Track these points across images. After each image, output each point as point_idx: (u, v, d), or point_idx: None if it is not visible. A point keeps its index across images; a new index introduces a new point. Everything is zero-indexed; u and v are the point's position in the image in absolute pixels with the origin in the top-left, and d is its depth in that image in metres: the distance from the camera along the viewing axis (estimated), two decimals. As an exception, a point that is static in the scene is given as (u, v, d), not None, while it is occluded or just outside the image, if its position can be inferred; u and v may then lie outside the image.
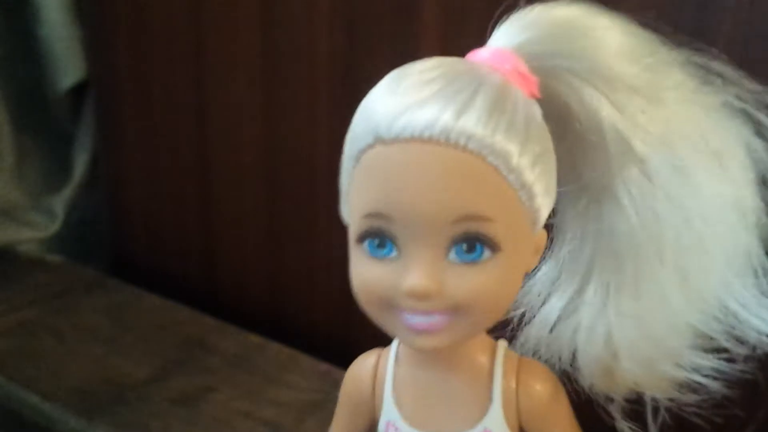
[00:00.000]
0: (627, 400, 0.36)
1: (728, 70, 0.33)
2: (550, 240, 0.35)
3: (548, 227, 0.34)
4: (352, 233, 0.31)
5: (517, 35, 0.32)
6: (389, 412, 0.35)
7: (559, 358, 0.36)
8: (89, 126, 1.12)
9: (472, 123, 0.28)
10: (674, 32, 0.52)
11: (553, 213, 0.34)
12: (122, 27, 1.01)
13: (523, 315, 0.37)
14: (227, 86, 0.93)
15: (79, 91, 1.10)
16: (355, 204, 0.31)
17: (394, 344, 0.36)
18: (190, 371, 0.83)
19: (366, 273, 0.31)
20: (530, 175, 0.29)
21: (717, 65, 0.33)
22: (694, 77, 0.33)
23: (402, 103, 0.29)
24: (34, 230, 1.11)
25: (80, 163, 1.13)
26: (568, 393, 0.36)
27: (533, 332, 0.37)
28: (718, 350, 0.35)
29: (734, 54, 0.62)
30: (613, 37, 0.32)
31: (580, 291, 0.35)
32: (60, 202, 1.13)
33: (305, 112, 0.87)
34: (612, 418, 0.37)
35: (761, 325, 0.34)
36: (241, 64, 0.91)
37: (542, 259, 0.35)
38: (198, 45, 0.94)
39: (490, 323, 0.32)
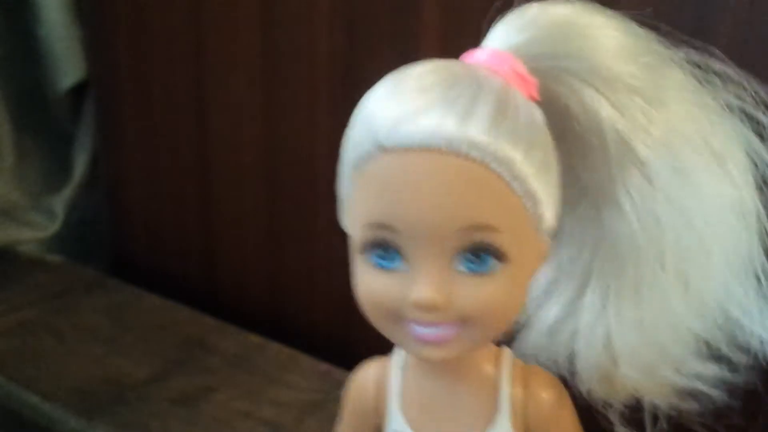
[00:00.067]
0: (626, 406, 0.36)
1: (728, 70, 0.33)
2: None
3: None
4: (355, 243, 0.31)
5: (514, 36, 0.31)
6: (396, 421, 0.35)
7: (557, 363, 0.36)
8: (89, 126, 1.12)
9: (475, 130, 0.28)
10: (673, 31, 0.52)
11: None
12: (122, 27, 1.01)
13: (521, 318, 0.37)
14: (227, 86, 0.93)
15: (79, 91, 1.10)
16: (357, 213, 0.30)
17: (399, 352, 0.36)
18: (190, 371, 0.83)
19: (371, 284, 0.30)
20: (534, 182, 0.29)
21: (717, 64, 0.33)
22: (694, 77, 0.33)
23: (402, 109, 0.28)
24: (34, 230, 1.11)
25: (80, 163, 1.13)
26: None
27: (530, 336, 0.36)
28: (720, 358, 0.34)
29: (734, 54, 0.62)
30: (612, 37, 0.31)
31: (578, 295, 0.35)
32: (60, 202, 1.13)
33: (305, 112, 0.87)
34: (610, 423, 0.37)
35: (763, 333, 0.33)
36: (241, 64, 0.91)
37: None
38: (198, 45, 0.94)
39: (498, 333, 0.32)
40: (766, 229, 0.33)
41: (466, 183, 0.28)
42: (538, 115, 0.30)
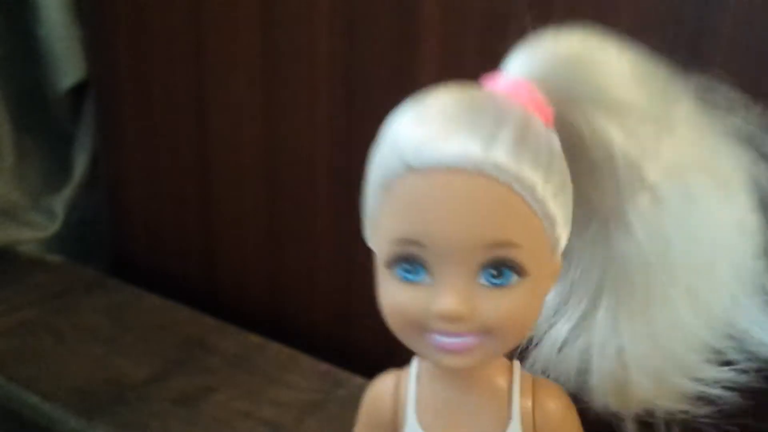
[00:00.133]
0: (640, 417, 0.37)
1: (733, 95, 0.34)
2: None
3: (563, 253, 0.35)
4: (382, 258, 0.32)
5: (530, 65, 0.33)
6: (413, 430, 0.36)
7: (568, 378, 0.37)
8: (89, 126, 1.12)
9: (500, 154, 0.29)
10: (675, 35, 0.53)
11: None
12: (122, 27, 1.01)
13: (531, 337, 0.38)
14: (227, 86, 0.93)
15: (79, 91, 1.10)
16: (384, 230, 0.32)
17: (414, 365, 0.37)
18: (190, 371, 0.83)
19: (397, 296, 0.32)
20: (552, 205, 0.31)
21: (722, 89, 0.34)
22: (701, 103, 0.34)
23: (429, 132, 0.30)
24: (34, 230, 1.11)
25: (80, 163, 1.13)
26: (578, 410, 0.37)
27: (542, 353, 0.38)
28: (730, 363, 0.36)
29: (734, 54, 0.62)
30: (622, 65, 0.33)
31: (589, 312, 0.36)
32: (60, 202, 1.13)
33: (305, 112, 0.87)
34: None
35: None
36: (241, 64, 0.91)
37: None
38: (198, 45, 0.94)
39: (515, 344, 0.34)
40: (765, 249, 0.35)
41: (490, 202, 0.30)
42: (555, 141, 0.32)
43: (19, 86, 1.08)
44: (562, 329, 0.37)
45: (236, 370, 0.83)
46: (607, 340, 0.35)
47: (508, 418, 0.35)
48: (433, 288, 0.31)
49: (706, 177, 0.33)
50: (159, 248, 1.09)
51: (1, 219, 1.09)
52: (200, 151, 0.98)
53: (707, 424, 0.36)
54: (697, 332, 0.35)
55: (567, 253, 0.34)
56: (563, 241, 0.33)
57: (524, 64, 0.33)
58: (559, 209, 0.31)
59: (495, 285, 0.31)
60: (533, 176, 0.30)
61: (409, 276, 0.31)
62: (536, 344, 0.38)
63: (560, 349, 0.37)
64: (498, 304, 0.31)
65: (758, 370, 0.36)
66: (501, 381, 0.36)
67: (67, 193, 1.13)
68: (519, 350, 0.37)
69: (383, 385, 0.38)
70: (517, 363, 0.37)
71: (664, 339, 0.35)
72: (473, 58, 0.72)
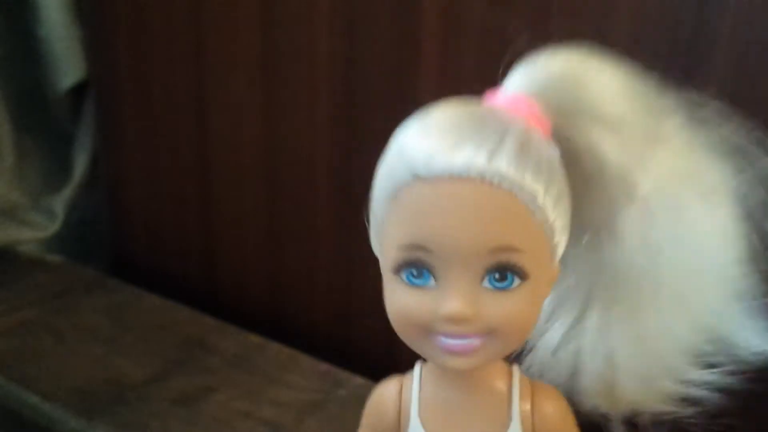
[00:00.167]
0: (628, 418, 0.39)
1: (719, 109, 0.36)
2: None
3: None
4: (388, 264, 0.33)
5: (528, 81, 0.35)
6: None
7: (561, 381, 0.39)
8: (89, 126, 1.12)
9: (504, 164, 0.31)
10: (675, 35, 0.53)
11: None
12: (122, 27, 1.01)
13: (527, 341, 0.40)
14: (227, 86, 0.93)
15: (79, 91, 1.10)
16: (392, 237, 0.33)
17: (417, 369, 0.39)
18: (190, 371, 0.83)
19: (405, 300, 0.33)
20: (552, 213, 0.32)
21: (709, 104, 0.36)
22: (688, 118, 0.36)
23: (437, 144, 0.32)
24: (34, 230, 1.11)
25: (80, 163, 1.13)
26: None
27: (537, 357, 0.39)
28: (715, 365, 0.37)
29: (734, 54, 0.62)
30: (615, 83, 0.35)
31: (580, 318, 0.38)
32: (60, 202, 1.13)
33: (305, 112, 0.87)
34: None
35: (750, 344, 0.37)
36: (241, 64, 0.91)
37: None
38: (198, 45, 0.94)
39: (517, 346, 0.35)
40: (750, 256, 0.36)
41: (494, 209, 0.31)
42: (554, 152, 0.33)
43: (19, 86, 1.08)
44: (555, 334, 0.39)
45: (236, 370, 0.83)
46: (597, 345, 0.37)
47: (509, 420, 0.36)
48: (439, 291, 0.32)
49: (693, 188, 0.35)
50: (159, 248, 1.09)
51: (1, 219, 1.09)
52: (200, 151, 0.98)
53: (693, 425, 0.38)
54: (684, 336, 0.37)
55: (561, 261, 0.36)
56: (561, 248, 0.34)
57: (523, 81, 0.35)
58: (559, 217, 0.33)
59: (498, 288, 0.32)
60: (535, 185, 0.31)
61: (416, 281, 0.33)
62: (531, 349, 0.40)
63: (554, 353, 0.39)
64: (501, 306, 0.32)
65: (742, 373, 0.37)
66: (501, 384, 0.37)
67: (67, 193, 1.13)
68: (516, 355, 0.38)
69: (387, 389, 0.39)
70: (516, 367, 0.38)
71: (652, 343, 0.36)
72: (473, 58, 0.72)
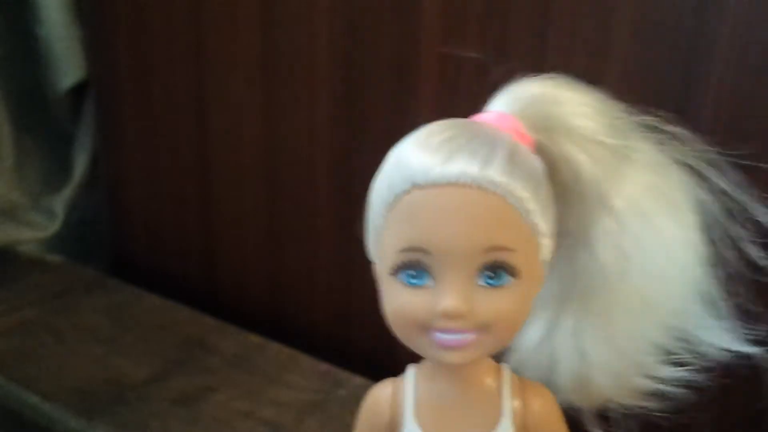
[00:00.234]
0: (601, 412, 0.42)
1: (680, 131, 0.39)
2: None
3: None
4: (386, 267, 0.36)
5: (512, 103, 0.38)
6: (411, 430, 0.39)
7: (540, 377, 0.41)
8: (89, 126, 1.12)
9: (495, 172, 0.34)
10: (675, 36, 0.53)
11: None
12: (122, 27, 1.01)
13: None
14: (227, 86, 0.93)
15: (79, 91, 1.10)
16: (390, 241, 0.35)
17: (410, 370, 0.40)
18: (190, 371, 0.83)
19: (403, 300, 0.35)
20: (539, 218, 0.35)
21: (670, 127, 0.39)
22: (652, 137, 0.39)
23: (435, 156, 0.34)
24: (34, 230, 1.11)
25: (80, 163, 1.13)
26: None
27: (518, 356, 0.42)
28: (682, 363, 0.41)
29: (734, 54, 0.62)
30: (587, 103, 0.38)
31: (556, 319, 0.41)
32: (60, 202, 1.13)
33: (305, 112, 0.87)
34: (590, 426, 0.42)
35: (716, 342, 0.40)
36: (241, 64, 0.91)
37: None
38: (198, 45, 0.94)
39: (508, 341, 0.37)
40: (710, 261, 0.40)
41: (488, 212, 0.34)
42: (539, 164, 0.36)
43: (19, 86, 1.08)
44: (536, 332, 0.42)
45: (236, 370, 0.83)
46: (572, 344, 0.40)
47: (500, 416, 0.38)
48: (436, 290, 0.34)
49: (660, 200, 0.39)
50: (159, 248, 1.09)
51: (1, 219, 1.09)
52: (200, 151, 0.98)
53: (661, 418, 0.41)
54: (652, 336, 0.40)
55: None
56: (547, 251, 0.37)
57: (506, 102, 0.39)
58: (545, 222, 0.35)
59: (492, 285, 0.34)
60: (524, 191, 0.34)
61: (414, 281, 0.35)
62: (515, 346, 0.42)
63: (534, 350, 0.42)
64: (494, 302, 0.34)
65: (706, 369, 0.40)
66: (492, 382, 0.39)
67: (67, 193, 1.13)
68: (501, 352, 0.40)
69: (381, 390, 0.41)
70: (505, 365, 0.40)
71: (622, 342, 0.40)
72: (473, 57, 0.72)
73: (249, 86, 0.91)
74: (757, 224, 0.39)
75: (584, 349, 0.40)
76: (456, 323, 0.34)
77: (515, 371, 0.41)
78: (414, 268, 0.34)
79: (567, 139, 0.37)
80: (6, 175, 1.09)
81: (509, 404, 0.39)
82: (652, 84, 0.66)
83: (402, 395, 0.40)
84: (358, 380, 0.80)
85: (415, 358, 0.39)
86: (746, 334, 0.41)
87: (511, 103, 0.38)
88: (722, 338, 0.40)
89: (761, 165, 0.41)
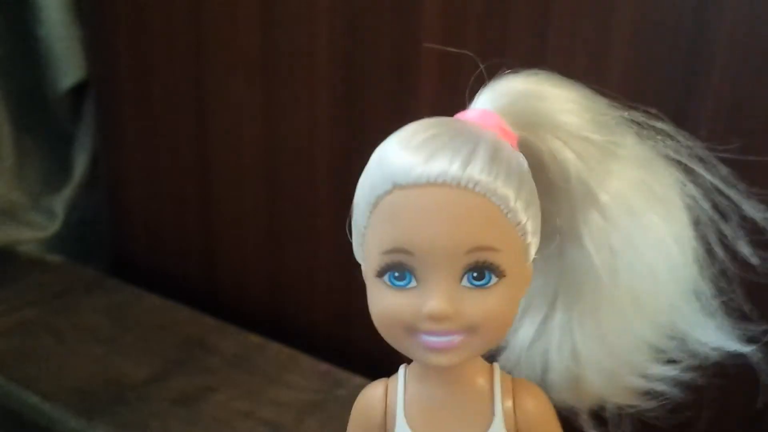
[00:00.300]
0: (593, 411, 0.42)
1: (668, 126, 0.39)
2: None
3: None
4: (371, 269, 0.35)
5: (496, 100, 0.38)
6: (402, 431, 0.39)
7: (533, 376, 0.41)
8: (89, 126, 1.12)
9: (477, 171, 0.33)
10: (675, 36, 0.53)
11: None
12: (122, 27, 1.01)
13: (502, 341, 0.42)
14: (227, 86, 0.93)
15: (79, 91, 1.10)
16: (373, 243, 0.35)
17: (401, 371, 0.40)
18: (190, 371, 0.83)
19: (388, 302, 0.35)
20: (524, 216, 0.34)
21: (658, 122, 0.39)
22: (639, 133, 0.39)
23: (416, 155, 0.34)
24: (34, 230, 1.11)
25: (80, 163, 1.13)
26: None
27: (509, 355, 0.42)
28: (674, 361, 0.40)
29: (734, 54, 0.62)
30: (572, 98, 0.38)
31: (547, 318, 0.41)
32: (60, 202, 1.13)
33: (305, 112, 0.87)
34: (582, 425, 0.42)
35: (707, 341, 0.40)
36: (241, 64, 0.91)
37: None
38: (198, 45, 0.94)
39: (496, 342, 0.37)
40: (700, 258, 0.40)
41: (470, 212, 0.33)
42: (523, 161, 0.36)
43: (19, 86, 1.08)
44: (527, 332, 0.42)
45: (236, 370, 0.83)
46: (563, 342, 0.40)
47: (492, 416, 0.38)
48: (421, 292, 0.34)
49: (648, 196, 0.38)
50: (159, 248, 1.09)
51: (1, 219, 1.09)
52: (200, 151, 0.98)
53: (654, 417, 0.40)
54: (643, 334, 0.40)
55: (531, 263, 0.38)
56: (533, 249, 0.36)
57: (489, 99, 0.38)
58: (530, 220, 0.35)
59: (476, 286, 0.34)
60: (506, 189, 0.33)
61: (398, 282, 0.34)
62: (506, 346, 0.42)
63: (526, 350, 0.42)
64: (480, 303, 0.34)
65: (698, 368, 0.40)
66: (483, 382, 0.38)
67: (67, 193, 1.13)
68: (492, 352, 0.40)
69: (373, 391, 0.40)
70: (496, 365, 0.39)
71: (614, 340, 0.39)
72: (473, 57, 0.72)
73: (249, 86, 0.91)
74: (749, 221, 0.39)
75: (576, 348, 0.40)
76: (442, 325, 0.34)
77: (508, 371, 0.40)
78: (398, 269, 0.34)
79: (552, 136, 0.37)
80: (6, 175, 1.09)
81: (501, 405, 0.38)
82: (652, 84, 0.66)
83: (394, 396, 0.39)
84: (358, 380, 0.80)
85: (412, 361, 0.39)
86: (739, 332, 0.40)
87: (494, 99, 0.38)
88: (715, 336, 0.40)
89: (758, 159, 0.42)
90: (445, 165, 0.33)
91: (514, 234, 0.34)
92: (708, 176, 0.39)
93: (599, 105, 0.38)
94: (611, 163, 0.37)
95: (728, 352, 0.40)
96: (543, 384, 0.40)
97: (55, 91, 1.09)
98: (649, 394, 0.41)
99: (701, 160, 0.39)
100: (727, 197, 0.39)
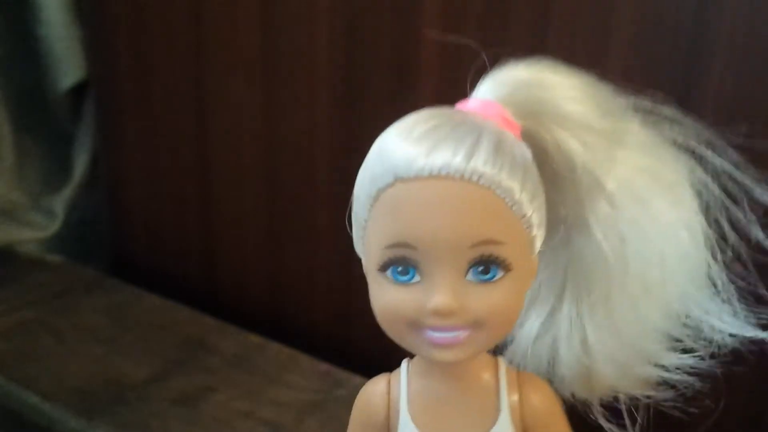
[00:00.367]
0: (606, 403, 0.41)
1: (674, 112, 0.39)
2: None
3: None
4: (373, 263, 0.34)
5: (498, 89, 0.37)
6: (406, 428, 0.38)
7: (541, 370, 0.40)
8: (89, 126, 1.12)
9: (481, 163, 0.32)
10: (675, 36, 0.53)
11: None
12: (122, 27, 1.01)
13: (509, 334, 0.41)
14: (227, 86, 0.93)
15: (79, 91, 1.10)
16: (375, 237, 0.34)
17: (404, 366, 0.39)
18: (190, 371, 0.83)
19: (391, 297, 0.34)
20: (529, 208, 0.33)
21: (665, 108, 0.39)
22: (645, 119, 0.38)
23: (418, 147, 0.33)
24: (34, 230, 1.11)
25: (80, 163, 1.13)
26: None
27: (517, 348, 0.41)
28: (689, 350, 0.39)
29: (734, 54, 0.62)
30: (576, 85, 0.37)
31: (556, 309, 0.40)
32: (60, 202, 1.13)
33: (305, 112, 0.87)
34: (594, 419, 0.41)
35: (723, 327, 0.39)
36: (241, 64, 0.91)
37: None
38: (198, 45, 0.94)
39: (502, 337, 0.36)
40: (713, 244, 0.39)
41: (475, 205, 0.32)
42: (527, 152, 0.35)
43: (19, 86, 1.08)
44: (533, 325, 0.41)
45: (236, 370, 0.83)
46: (572, 333, 0.39)
47: (497, 411, 0.37)
48: (425, 287, 0.33)
49: (655, 183, 0.37)
50: (159, 248, 1.09)
51: (1, 219, 1.09)
52: (200, 151, 0.98)
53: (669, 408, 0.39)
54: (655, 322, 0.39)
55: (537, 255, 0.37)
56: (539, 242, 0.35)
57: (491, 88, 0.37)
58: (535, 212, 0.34)
59: (482, 280, 0.33)
60: (511, 181, 0.33)
61: (402, 278, 0.33)
62: (512, 340, 0.41)
63: (533, 343, 0.41)
64: (486, 298, 0.33)
65: (714, 356, 0.39)
66: (489, 377, 0.38)
67: (67, 193, 1.13)
68: (498, 347, 0.39)
69: (375, 387, 0.40)
70: (501, 359, 0.39)
71: (624, 330, 0.38)
72: (473, 56, 0.72)
73: (249, 86, 0.91)
74: (760, 205, 0.38)
75: (587, 339, 0.39)
76: (447, 321, 0.33)
77: (515, 365, 0.40)
78: (401, 264, 0.33)
79: (557, 125, 0.36)
80: (6, 175, 1.09)
81: (507, 399, 0.37)
82: (652, 84, 0.66)
83: (397, 391, 0.39)
84: (358, 380, 0.79)
85: (414, 355, 0.38)
86: (754, 318, 0.39)
87: (496, 89, 0.37)
88: (729, 323, 0.39)
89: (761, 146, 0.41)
90: (448, 157, 0.32)
91: (519, 227, 0.33)
92: (716, 161, 0.38)
93: (603, 92, 0.38)
94: (617, 151, 0.36)
95: (745, 337, 0.39)
96: (551, 377, 0.40)
97: (55, 91, 1.09)
98: (663, 383, 0.40)
99: (710, 144, 0.39)
100: (737, 182, 0.39)
